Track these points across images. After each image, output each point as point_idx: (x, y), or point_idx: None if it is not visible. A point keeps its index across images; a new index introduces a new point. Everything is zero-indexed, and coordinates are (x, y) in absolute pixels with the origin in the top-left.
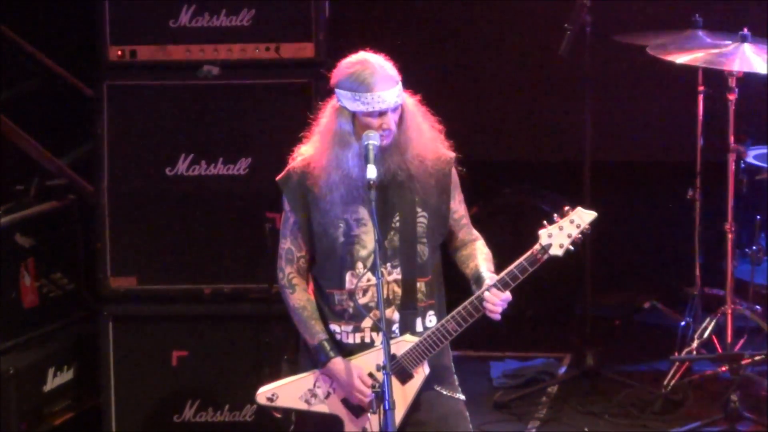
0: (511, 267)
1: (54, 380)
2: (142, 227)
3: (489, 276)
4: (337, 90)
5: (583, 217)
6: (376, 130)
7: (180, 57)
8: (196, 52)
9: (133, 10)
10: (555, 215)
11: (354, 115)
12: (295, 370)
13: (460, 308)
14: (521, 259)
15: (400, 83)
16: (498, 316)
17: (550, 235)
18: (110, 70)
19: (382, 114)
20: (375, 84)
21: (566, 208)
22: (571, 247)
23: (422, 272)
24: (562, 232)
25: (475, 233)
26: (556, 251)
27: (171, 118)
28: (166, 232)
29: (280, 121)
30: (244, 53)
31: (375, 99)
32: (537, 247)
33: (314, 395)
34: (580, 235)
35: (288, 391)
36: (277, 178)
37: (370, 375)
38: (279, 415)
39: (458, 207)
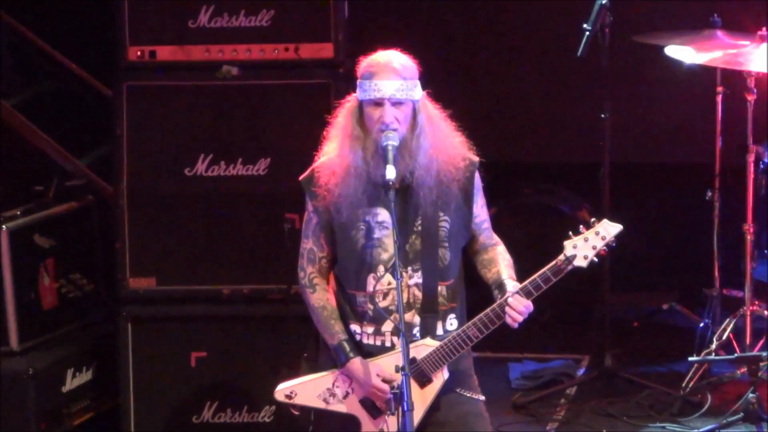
0: (535, 276)
1: (73, 381)
2: (160, 228)
3: (512, 284)
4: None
5: (608, 229)
6: (376, 123)
7: (199, 57)
8: (215, 53)
9: (153, 10)
10: (581, 226)
11: (361, 108)
12: (314, 368)
13: (482, 315)
14: (545, 268)
15: (410, 82)
16: (517, 325)
17: (575, 246)
18: (129, 71)
19: (380, 104)
20: (376, 73)
21: (592, 219)
22: (596, 259)
23: (444, 276)
24: (587, 244)
25: (496, 238)
26: (580, 263)
27: (190, 118)
28: (185, 232)
29: (299, 122)
30: (263, 54)
31: (372, 86)
32: (561, 257)
33: (333, 395)
34: (605, 248)
35: (307, 390)
36: (300, 177)
37: (385, 381)
38: (297, 413)
39: (480, 211)
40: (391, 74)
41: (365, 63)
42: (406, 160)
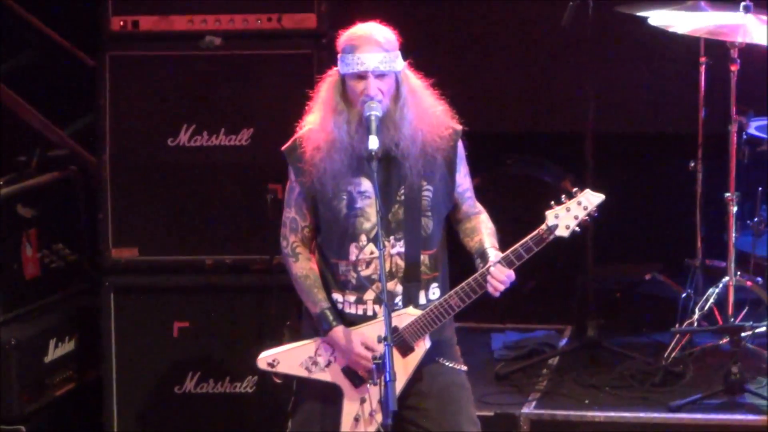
0: (517, 246)
1: (55, 351)
2: (143, 198)
3: (494, 253)
4: (338, 55)
5: (590, 199)
6: (359, 95)
7: (182, 27)
8: (198, 23)
9: None
10: (563, 196)
11: (344, 81)
12: (296, 337)
13: (464, 284)
14: (527, 238)
15: (392, 53)
16: (498, 294)
17: (557, 216)
18: (112, 41)
19: (362, 77)
20: (358, 46)
21: (574, 189)
22: (578, 229)
23: (426, 245)
24: (569, 214)
25: (479, 207)
26: (562, 232)
27: (173, 88)
28: (168, 202)
29: (282, 92)
30: (246, 24)
31: (355, 60)
32: (543, 227)
33: (315, 363)
34: (587, 217)
35: (289, 358)
36: (283, 147)
37: (368, 350)
38: (279, 381)
39: (463, 180)
40: (374, 47)
41: (346, 36)
42: (390, 132)
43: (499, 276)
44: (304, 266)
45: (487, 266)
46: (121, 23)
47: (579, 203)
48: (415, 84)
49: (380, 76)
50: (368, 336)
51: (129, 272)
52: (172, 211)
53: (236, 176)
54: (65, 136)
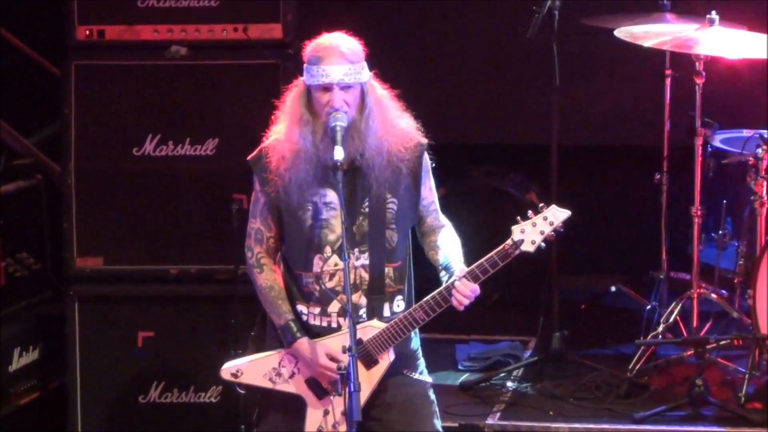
0: (482, 260)
1: (19, 360)
2: (108, 207)
3: (459, 267)
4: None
5: (557, 214)
6: (324, 106)
7: (148, 37)
8: (164, 32)
9: None
10: (529, 211)
11: (309, 92)
12: (261, 348)
13: (428, 297)
14: (492, 253)
15: (357, 65)
16: (463, 308)
17: (522, 231)
18: (78, 50)
19: (328, 89)
20: (324, 58)
21: (540, 204)
22: (543, 245)
23: (391, 258)
24: (535, 229)
25: (445, 220)
26: (528, 247)
27: (138, 98)
28: (133, 212)
29: (248, 102)
30: (212, 34)
31: (320, 72)
32: (509, 242)
33: (279, 374)
34: (552, 233)
35: (253, 369)
36: (249, 157)
37: (332, 359)
38: (243, 391)
39: (428, 193)
40: (339, 58)
41: (311, 47)
42: (356, 142)
43: (464, 290)
44: (268, 277)
45: (451, 280)
46: (87, 32)
47: (545, 218)
48: (381, 94)
49: (346, 87)
50: (332, 347)
51: (93, 281)
52: (137, 220)
53: (201, 186)
54: (30, 145)
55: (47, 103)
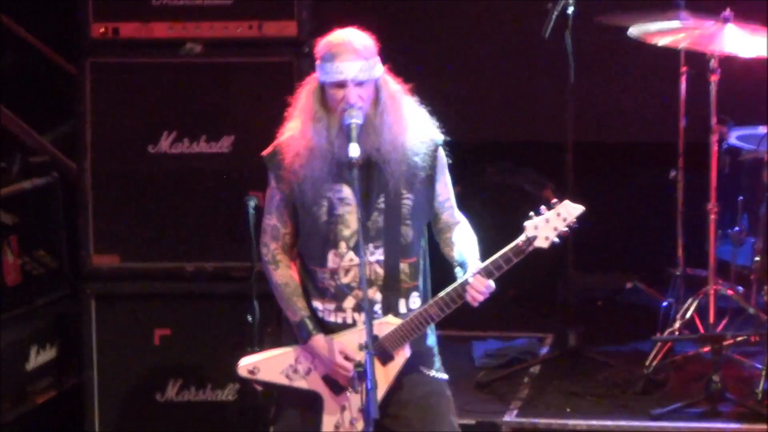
0: (496, 256)
1: (36, 358)
2: (124, 205)
3: (474, 263)
4: (316, 63)
5: (570, 210)
6: (339, 103)
7: (162, 34)
8: (179, 30)
9: None
10: (542, 207)
11: (323, 89)
12: (277, 344)
13: (443, 294)
14: (506, 249)
15: (371, 61)
16: (477, 304)
17: (536, 227)
18: (93, 48)
19: (342, 86)
20: (338, 55)
21: (554, 200)
22: (557, 240)
23: (406, 253)
24: (548, 225)
25: (460, 216)
26: (541, 243)
27: (153, 95)
28: (149, 209)
29: (263, 99)
30: (226, 31)
31: (334, 69)
32: (522, 238)
33: (295, 371)
34: (566, 229)
35: (269, 365)
36: (263, 153)
37: (348, 359)
38: (260, 388)
39: (444, 189)
40: (352, 55)
41: (324, 44)
42: (371, 138)
43: (479, 287)
44: (284, 274)
45: (466, 277)
46: (102, 30)
47: (558, 214)
48: (395, 89)
49: (360, 83)
50: (348, 344)
51: (110, 279)
52: (153, 218)
53: (217, 183)
54: (46, 143)
55: (63, 101)
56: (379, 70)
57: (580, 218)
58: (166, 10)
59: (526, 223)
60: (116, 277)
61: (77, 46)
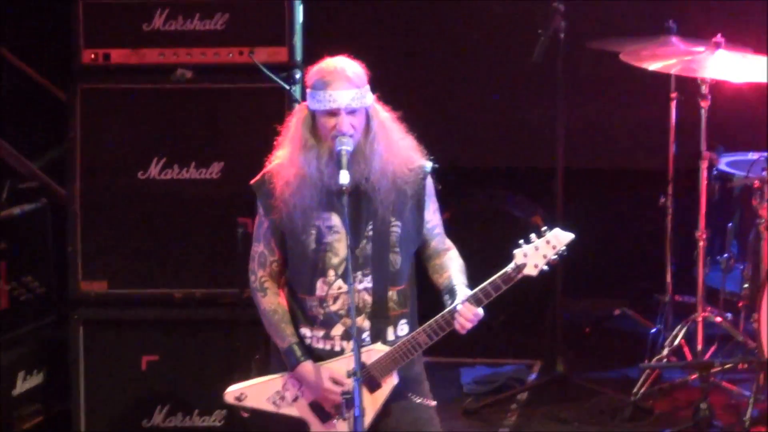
0: (485, 284)
1: (23, 384)
2: (113, 231)
3: (462, 290)
4: (307, 91)
5: (560, 238)
6: (330, 131)
7: (153, 60)
8: (170, 56)
9: (107, 13)
10: (532, 234)
11: (314, 117)
12: (265, 371)
13: (432, 321)
14: (495, 276)
15: (363, 89)
16: (466, 332)
17: (525, 255)
18: (83, 73)
19: (334, 114)
20: (330, 83)
21: (543, 228)
22: (546, 268)
23: (394, 281)
24: (537, 252)
25: (449, 243)
26: (530, 271)
27: (144, 121)
28: (138, 236)
29: (254, 125)
30: (217, 57)
31: (326, 97)
32: (512, 266)
33: (282, 398)
34: (556, 257)
35: (256, 392)
36: (252, 181)
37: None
38: (246, 415)
39: (432, 216)
40: (345, 83)
41: (315, 72)
42: (361, 166)
43: (467, 314)
44: (272, 301)
45: (454, 304)
46: (93, 56)
47: (548, 242)
48: (385, 117)
49: (352, 112)
50: (336, 371)
51: (98, 305)
52: (141, 244)
53: (206, 210)
54: (35, 169)
55: (52, 127)
56: (370, 98)
57: (570, 246)
58: (157, 36)
59: (516, 251)
60: (104, 303)
61: (68, 72)
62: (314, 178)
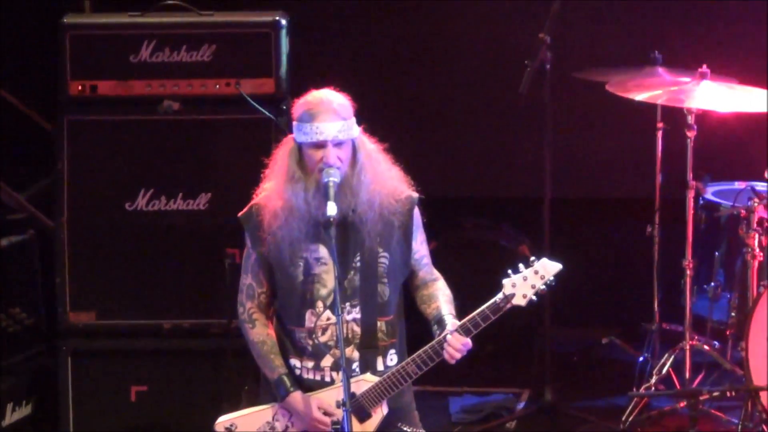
0: (474, 314)
1: (12, 415)
2: (101, 262)
3: (451, 320)
4: (293, 123)
5: (548, 268)
6: (317, 163)
7: (140, 92)
8: (157, 88)
9: (94, 44)
10: (520, 264)
11: (301, 149)
12: (255, 402)
13: (421, 351)
14: (484, 307)
15: (349, 121)
16: (454, 362)
17: (513, 285)
18: (70, 105)
19: (321, 146)
20: (316, 115)
21: (532, 258)
22: (534, 298)
23: (383, 312)
24: (526, 283)
25: (437, 273)
26: (519, 301)
27: (131, 153)
28: (126, 267)
29: (240, 157)
30: (204, 89)
31: (313, 129)
32: (500, 296)
33: (273, 428)
34: (544, 287)
35: (247, 422)
36: (239, 214)
37: (326, 413)
38: None
39: (420, 247)
40: (331, 115)
41: (302, 104)
42: (348, 197)
43: (456, 344)
44: (260, 332)
45: (443, 335)
46: (80, 87)
47: (536, 272)
48: (371, 149)
49: (338, 144)
50: (326, 401)
51: (87, 336)
52: (129, 275)
53: (194, 241)
54: (23, 200)
55: (40, 158)
56: (356, 130)
57: (558, 276)
58: (144, 67)
59: (505, 281)
60: (93, 333)
61: (55, 103)
62: (302, 210)
